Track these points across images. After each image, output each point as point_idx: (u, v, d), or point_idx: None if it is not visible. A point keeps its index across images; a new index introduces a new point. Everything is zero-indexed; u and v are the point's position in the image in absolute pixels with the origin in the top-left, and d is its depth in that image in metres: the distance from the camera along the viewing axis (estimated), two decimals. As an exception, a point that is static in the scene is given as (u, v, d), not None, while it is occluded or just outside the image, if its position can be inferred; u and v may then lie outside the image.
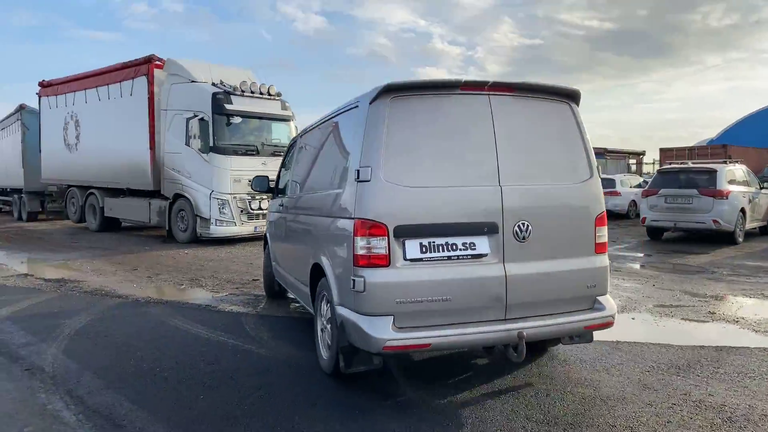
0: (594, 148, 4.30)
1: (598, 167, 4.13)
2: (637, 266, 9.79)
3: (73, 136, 16.49)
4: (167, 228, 13.66)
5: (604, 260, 4.03)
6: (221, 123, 12.63)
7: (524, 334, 3.58)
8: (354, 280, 3.58)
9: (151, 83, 13.71)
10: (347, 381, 4.08)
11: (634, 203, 18.94)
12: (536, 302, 3.78)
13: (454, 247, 3.66)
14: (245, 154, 12.84)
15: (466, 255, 3.67)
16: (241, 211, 12.71)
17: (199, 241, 12.72)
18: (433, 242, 3.64)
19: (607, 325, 3.93)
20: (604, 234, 4.03)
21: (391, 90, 3.74)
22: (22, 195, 20.09)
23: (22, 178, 19.48)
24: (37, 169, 18.22)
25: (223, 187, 12.49)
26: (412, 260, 3.61)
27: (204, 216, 12.57)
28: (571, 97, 4.10)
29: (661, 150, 27.67)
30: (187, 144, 12.88)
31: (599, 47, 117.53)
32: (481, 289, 3.66)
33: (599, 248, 4.00)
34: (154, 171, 13.80)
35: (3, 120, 21.76)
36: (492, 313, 3.68)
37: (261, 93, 13.30)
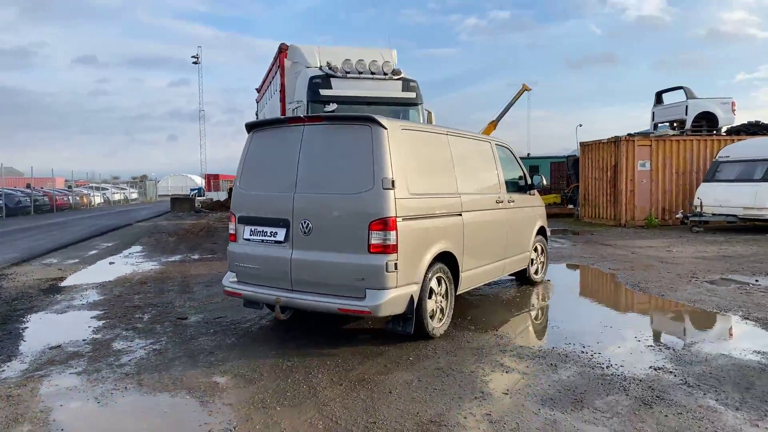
0: None
1: (387, 178, 4.66)
2: None
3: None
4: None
5: (377, 259, 4.61)
6: (318, 112, 10.52)
7: (280, 300, 4.95)
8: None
9: (282, 75, 12.61)
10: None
11: None
12: (312, 282, 4.90)
13: (265, 233, 5.20)
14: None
15: (271, 240, 5.15)
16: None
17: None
18: (256, 229, 5.27)
19: (359, 312, 4.69)
20: (381, 236, 4.61)
21: (251, 126, 5.63)
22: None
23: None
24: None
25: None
26: (246, 239, 5.36)
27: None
28: (370, 120, 4.82)
29: None
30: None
31: None
32: (275, 265, 5.07)
33: (373, 248, 4.62)
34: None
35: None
36: (283, 284, 5.03)
37: (372, 73, 10.68)
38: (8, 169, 52.53)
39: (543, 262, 8.11)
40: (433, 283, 5.15)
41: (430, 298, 5.11)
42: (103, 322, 6.00)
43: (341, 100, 10.45)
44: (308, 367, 4.46)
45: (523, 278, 7.80)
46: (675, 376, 4.23)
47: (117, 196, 43.88)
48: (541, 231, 7.98)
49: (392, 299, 4.59)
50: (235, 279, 5.37)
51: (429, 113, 11.19)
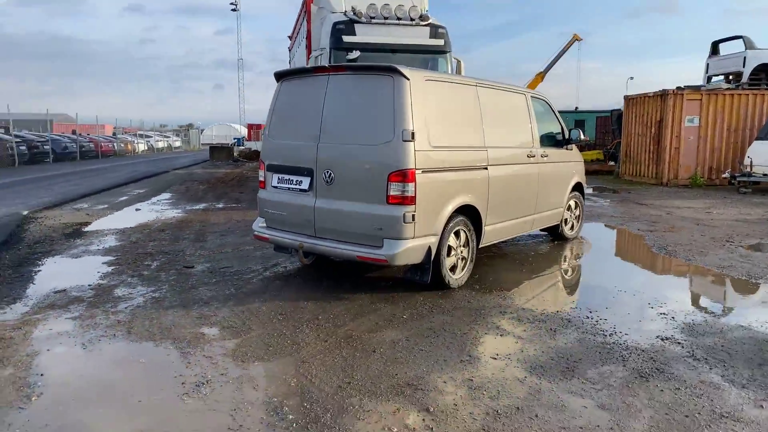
0: None
1: (407, 130, 4.63)
2: None
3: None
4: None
5: (395, 210, 4.67)
6: (341, 60, 10.17)
7: (303, 245, 5.18)
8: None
9: (308, 21, 12.22)
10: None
11: None
12: (334, 229, 5.04)
13: (291, 181, 5.34)
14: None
15: (296, 188, 5.29)
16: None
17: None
18: (284, 176, 5.43)
19: (376, 260, 4.78)
20: (399, 188, 4.65)
21: (280, 75, 5.64)
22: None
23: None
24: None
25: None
26: (274, 186, 5.53)
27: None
28: (392, 71, 4.74)
29: None
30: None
31: None
32: (300, 212, 5.24)
33: (392, 199, 4.68)
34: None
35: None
36: (307, 230, 5.21)
37: (398, 18, 10.18)
38: (62, 115, 54.34)
39: (577, 219, 7.96)
40: (453, 236, 5.20)
41: (449, 250, 5.17)
42: (113, 268, 6.09)
43: (364, 47, 10.04)
44: (298, 321, 4.39)
45: (555, 234, 7.69)
46: (682, 347, 3.95)
47: (161, 144, 44.82)
48: (578, 187, 7.76)
49: (409, 249, 4.71)
50: (265, 224, 5.64)
51: (458, 62, 10.68)
